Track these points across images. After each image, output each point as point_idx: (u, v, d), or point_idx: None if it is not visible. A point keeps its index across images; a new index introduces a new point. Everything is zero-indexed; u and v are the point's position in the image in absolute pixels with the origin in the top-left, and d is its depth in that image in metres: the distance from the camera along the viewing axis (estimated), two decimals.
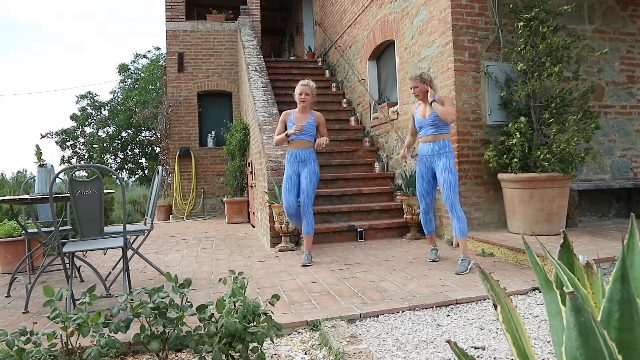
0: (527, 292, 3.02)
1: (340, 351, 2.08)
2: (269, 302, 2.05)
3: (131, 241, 3.64)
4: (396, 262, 4.02)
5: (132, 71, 17.78)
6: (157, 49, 18.94)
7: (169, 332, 1.97)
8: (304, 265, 4.05)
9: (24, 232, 3.54)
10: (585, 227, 4.73)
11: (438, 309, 2.77)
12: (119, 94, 17.67)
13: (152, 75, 16.65)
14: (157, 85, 15.10)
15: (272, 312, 2.06)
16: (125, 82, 17.61)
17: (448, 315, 2.65)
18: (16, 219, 3.68)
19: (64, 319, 1.86)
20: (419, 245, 4.85)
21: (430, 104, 3.72)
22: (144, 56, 18.27)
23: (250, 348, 1.92)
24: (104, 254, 5.22)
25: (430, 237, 4.10)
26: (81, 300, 1.99)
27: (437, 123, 3.76)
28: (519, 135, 4.32)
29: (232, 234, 6.64)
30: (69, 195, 2.84)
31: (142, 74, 17.39)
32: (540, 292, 3.02)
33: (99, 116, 17.04)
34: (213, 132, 9.91)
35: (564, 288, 0.89)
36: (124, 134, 17.13)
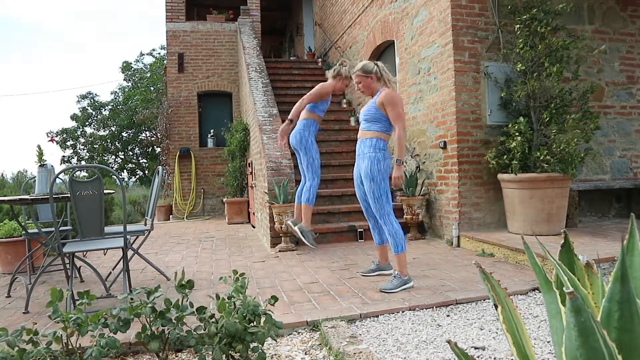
0: (527, 293, 3.02)
1: (341, 351, 2.08)
2: (268, 302, 2.06)
3: (131, 241, 3.64)
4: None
5: (135, 70, 17.79)
6: (163, 48, 19.00)
7: (169, 332, 1.97)
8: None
9: (24, 232, 3.54)
10: (585, 227, 4.73)
11: (438, 309, 2.77)
12: (119, 94, 17.68)
13: (155, 75, 16.65)
14: (158, 86, 15.13)
15: (272, 312, 2.06)
16: (129, 80, 17.60)
17: (448, 316, 2.65)
18: (16, 219, 3.68)
19: (64, 319, 1.86)
20: (418, 245, 4.85)
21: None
22: (150, 54, 18.29)
23: (250, 348, 1.92)
24: (104, 255, 5.22)
25: (377, 248, 3.59)
26: (80, 301, 1.99)
27: (368, 117, 3.27)
28: (520, 138, 4.31)
29: (232, 234, 6.64)
30: (69, 195, 2.84)
31: (147, 73, 17.40)
32: (540, 292, 3.02)
33: (99, 116, 17.05)
34: (213, 133, 9.91)
35: (564, 288, 0.89)
36: (124, 134, 17.14)
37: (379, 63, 3.37)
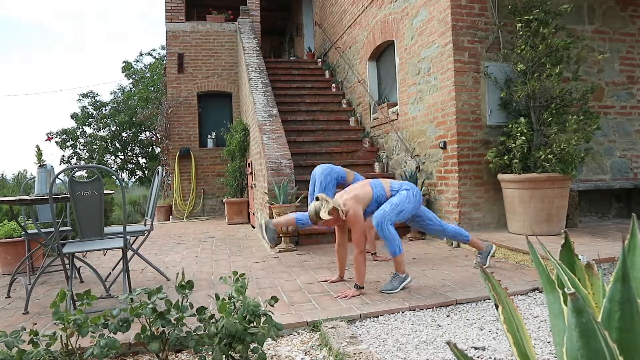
0: (527, 293, 3.02)
1: (341, 352, 2.07)
2: (268, 302, 2.05)
3: (131, 242, 3.63)
4: None
5: (135, 70, 17.79)
6: (163, 48, 19.01)
7: (168, 332, 1.97)
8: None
9: (24, 232, 3.54)
10: (586, 227, 4.73)
11: (438, 309, 2.77)
12: (119, 93, 17.69)
13: (155, 76, 16.64)
14: (158, 86, 15.13)
15: (272, 313, 2.06)
16: (130, 78, 17.59)
17: (448, 316, 2.64)
18: (16, 219, 3.68)
19: (64, 320, 1.86)
20: (419, 245, 4.85)
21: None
22: (149, 54, 18.29)
23: (250, 348, 1.92)
24: (104, 255, 5.22)
25: (469, 243, 3.67)
26: (81, 302, 1.99)
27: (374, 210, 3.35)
28: (523, 139, 4.31)
29: (232, 234, 6.64)
30: (69, 196, 2.84)
31: (147, 73, 17.40)
32: (540, 292, 3.02)
33: (99, 115, 17.05)
34: (213, 133, 9.91)
35: (565, 289, 0.89)
36: (124, 134, 17.14)
37: (317, 201, 3.18)
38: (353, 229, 3.14)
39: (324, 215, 3.10)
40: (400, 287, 3.13)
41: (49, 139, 3.91)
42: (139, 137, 17.03)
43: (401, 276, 3.18)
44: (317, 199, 3.20)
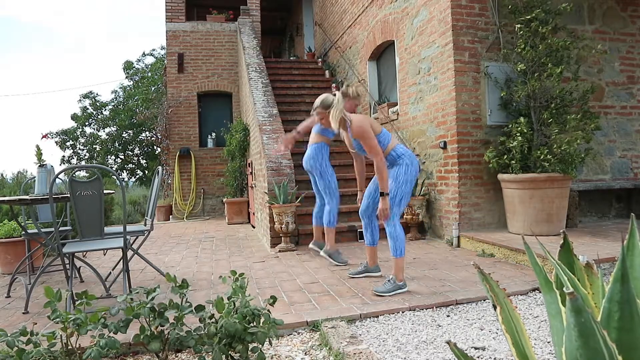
0: (527, 293, 3.02)
1: (340, 351, 2.07)
2: (267, 302, 2.05)
3: (131, 242, 3.63)
4: None
5: (137, 69, 17.77)
6: (163, 48, 18.95)
7: (168, 332, 1.97)
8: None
9: (24, 232, 3.54)
10: (586, 227, 4.72)
11: (438, 309, 2.77)
12: (120, 93, 17.67)
13: (156, 76, 16.63)
14: (158, 86, 15.11)
15: (270, 313, 2.06)
16: (130, 79, 17.58)
17: (448, 316, 2.64)
18: (16, 219, 3.68)
19: (63, 319, 1.86)
20: (419, 245, 4.85)
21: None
22: (150, 54, 18.28)
23: (250, 348, 1.92)
24: (104, 255, 5.22)
25: (366, 249, 3.57)
26: (80, 301, 1.99)
27: (365, 149, 3.25)
28: (520, 138, 4.31)
29: (232, 234, 6.64)
30: (69, 195, 2.84)
31: (148, 73, 17.38)
32: (540, 292, 3.02)
33: (99, 116, 17.04)
34: (213, 133, 9.90)
35: (564, 288, 0.89)
36: (124, 135, 17.13)
37: (337, 93, 3.18)
38: (364, 140, 3.05)
39: (334, 118, 3.08)
40: (393, 293, 3.01)
41: (44, 137, 3.95)
42: (139, 137, 17.01)
43: (398, 283, 3.05)
44: (335, 94, 3.19)
